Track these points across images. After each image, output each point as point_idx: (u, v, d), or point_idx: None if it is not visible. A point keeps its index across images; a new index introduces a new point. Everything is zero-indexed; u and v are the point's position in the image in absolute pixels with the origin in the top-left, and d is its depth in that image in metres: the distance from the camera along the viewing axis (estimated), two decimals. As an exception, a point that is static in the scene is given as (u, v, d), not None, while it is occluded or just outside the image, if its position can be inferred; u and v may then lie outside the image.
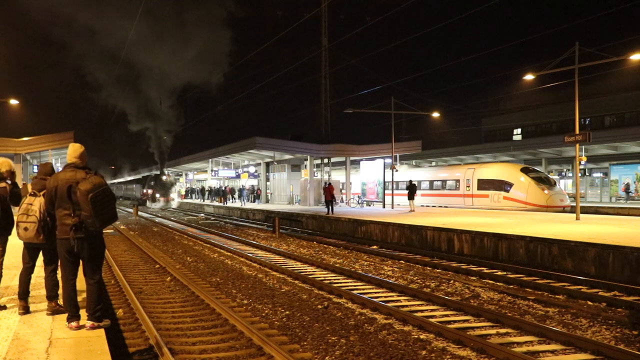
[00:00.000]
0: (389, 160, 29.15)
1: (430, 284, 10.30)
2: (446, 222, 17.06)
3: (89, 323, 4.70)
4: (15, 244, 5.28)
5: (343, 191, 35.61)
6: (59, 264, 5.27)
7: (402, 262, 13.39)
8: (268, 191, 41.13)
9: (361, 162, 33.33)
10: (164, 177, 53.97)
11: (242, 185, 42.92)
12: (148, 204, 53.78)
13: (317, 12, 37.99)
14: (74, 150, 4.73)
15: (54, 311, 5.14)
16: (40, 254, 5.26)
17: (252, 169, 43.83)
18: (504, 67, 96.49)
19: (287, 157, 37.39)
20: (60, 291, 5.17)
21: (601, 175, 38.53)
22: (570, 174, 39.45)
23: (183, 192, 58.45)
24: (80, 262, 4.83)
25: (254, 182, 45.89)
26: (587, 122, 48.74)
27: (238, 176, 44.35)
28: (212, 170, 45.55)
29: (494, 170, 28.28)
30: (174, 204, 51.88)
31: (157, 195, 52.77)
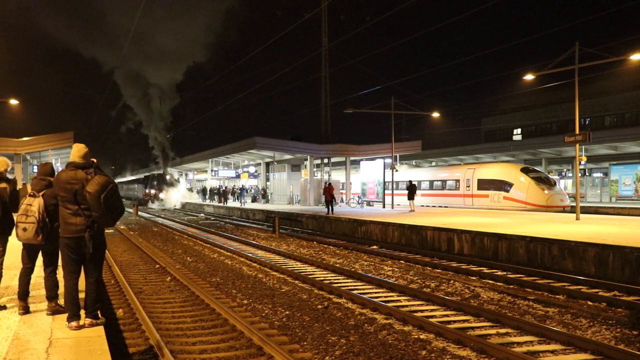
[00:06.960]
0: (389, 160, 29.13)
1: (430, 284, 10.30)
2: (446, 222, 17.06)
3: (87, 320, 4.75)
4: (15, 244, 5.28)
5: (343, 191, 35.59)
6: (58, 264, 5.28)
7: (402, 262, 13.39)
8: (268, 191, 41.10)
9: (361, 162, 33.30)
10: (167, 177, 53.55)
11: (242, 185, 42.83)
12: (150, 204, 53.44)
13: (317, 12, 38.01)
14: (77, 150, 4.79)
15: (54, 311, 5.14)
16: (40, 255, 5.26)
17: (252, 169, 43.80)
18: (504, 67, 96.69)
19: (287, 157, 37.38)
20: (60, 291, 5.17)
21: (601, 175, 38.52)
22: (570, 174, 39.43)
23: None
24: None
25: (254, 182, 45.84)
26: (587, 122, 48.77)
27: (238, 176, 44.31)
28: (212, 170, 45.52)
29: (494, 171, 28.27)
30: (178, 204, 51.40)
31: (160, 195, 52.46)
